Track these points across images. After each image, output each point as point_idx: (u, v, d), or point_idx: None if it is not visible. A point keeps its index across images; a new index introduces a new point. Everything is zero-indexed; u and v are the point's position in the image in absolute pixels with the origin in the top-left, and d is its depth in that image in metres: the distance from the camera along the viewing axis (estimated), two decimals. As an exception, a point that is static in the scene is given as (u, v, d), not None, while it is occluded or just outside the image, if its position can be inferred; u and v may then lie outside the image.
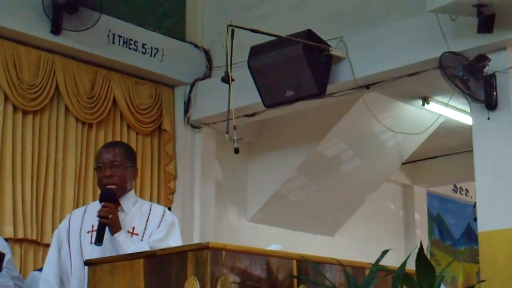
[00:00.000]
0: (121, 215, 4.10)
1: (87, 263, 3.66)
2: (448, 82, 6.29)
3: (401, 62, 6.79)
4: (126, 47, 7.66)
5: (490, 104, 6.31)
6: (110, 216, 3.98)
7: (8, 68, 6.90)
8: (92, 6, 7.01)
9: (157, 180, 8.01)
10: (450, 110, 8.34)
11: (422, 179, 11.03)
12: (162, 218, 4.17)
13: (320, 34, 6.94)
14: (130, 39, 7.69)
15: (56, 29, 7.02)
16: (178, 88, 8.27)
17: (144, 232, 4.10)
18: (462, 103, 7.84)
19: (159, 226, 4.12)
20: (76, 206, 7.21)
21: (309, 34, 6.88)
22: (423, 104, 8.37)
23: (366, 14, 7.18)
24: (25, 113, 7.04)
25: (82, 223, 4.18)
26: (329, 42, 7.00)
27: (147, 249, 3.88)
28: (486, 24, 6.13)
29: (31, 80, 7.07)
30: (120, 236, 3.99)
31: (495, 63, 6.27)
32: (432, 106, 8.37)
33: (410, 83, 7.26)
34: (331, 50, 6.96)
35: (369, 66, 6.95)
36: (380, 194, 10.09)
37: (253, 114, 7.87)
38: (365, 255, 4.89)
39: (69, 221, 4.25)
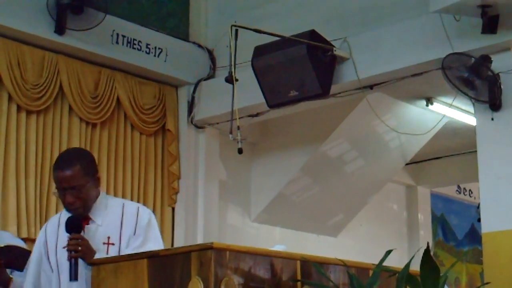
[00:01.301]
0: (92, 227, 3.91)
1: (91, 263, 3.65)
2: (450, 85, 6.29)
3: (404, 63, 6.79)
4: (130, 47, 7.66)
5: (494, 104, 6.30)
6: (80, 248, 3.76)
7: (12, 68, 6.90)
8: (97, 7, 7.01)
9: (161, 180, 8.01)
10: (454, 111, 8.33)
11: (426, 180, 11.02)
12: (136, 221, 3.93)
13: (324, 34, 6.94)
14: (134, 39, 7.69)
15: (60, 29, 7.03)
16: (181, 88, 8.27)
17: (120, 240, 3.89)
18: (466, 104, 7.83)
19: (135, 232, 3.91)
20: (80, 206, 7.21)
21: (313, 35, 6.88)
22: (427, 105, 8.36)
23: (370, 14, 7.18)
24: (29, 112, 7.04)
25: (57, 237, 3.96)
26: (333, 43, 6.99)
27: None
28: (490, 25, 6.13)
29: (35, 80, 7.08)
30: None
31: (499, 64, 6.26)
32: (436, 106, 8.37)
33: (414, 84, 7.25)
34: (335, 51, 6.95)
35: (373, 67, 6.95)
36: (383, 194, 10.09)
37: (256, 114, 7.87)
38: (368, 256, 4.88)
39: (45, 234, 4.04)
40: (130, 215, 3.97)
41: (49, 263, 3.95)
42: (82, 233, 3.86)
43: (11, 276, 4.65)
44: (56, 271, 3.92)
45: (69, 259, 3.77)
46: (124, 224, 3.93)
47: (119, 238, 3.90)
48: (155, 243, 3.92)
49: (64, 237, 3.87)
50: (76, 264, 3.76)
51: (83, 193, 3.88)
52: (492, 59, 6.24)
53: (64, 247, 3.84)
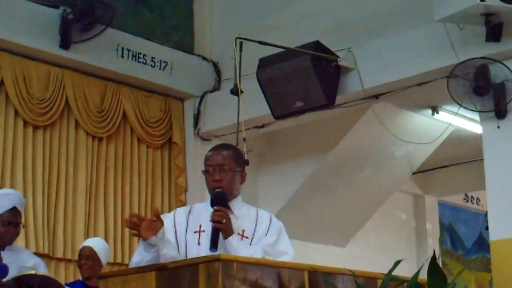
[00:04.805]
0: (231, 218, 3.99)
1: (99, 277, 3.66)
2: (453, 98, 6.32)
3: (409, 72, 6.79)
4: (135, 60, 7.68)
5: (500, 112, 6.30)
6: (224, 220, 3.86)
7: (18, 83, 6.93)
8: (104, 22, 7.03)
9: (168, 193, 8.02)
10: (459, 119, 8.32)
11: (433, 189, 11.00)
12: (270, 223, 4.06)
13: (328, 45, 6.96)
14: (139, 53, 7.71)
15: (65, 44, 7.06)
16: (187, 101, 8.28)
17: (253, 236, 3.99)
18: (471, 112, 7.82)
19: (267, 231, 4.01)
20: (88, 219, 7.23)
21: (317, 45, 6.90)
22: (432, 114, 8.36)
23: (374, 24, 7.18)
24: (35, 127, 7.07)
25: (187, 223, 4.06)
26: (337, 53, 7.01)
27: (260, 253, 3.79)
28: (494, 33, 6.13)
29: (41, 94, 7.10)
30: (234, 239, 3.87)
31: (504, 72, 6.26)
32: (442, 115, 8.36)
33: (419, 93, 7.25)
34: (340, 61, 6.97)
35: (378, 76, 6.95)
36: (391, 204, 10.07)
37: (262, 126, 7.88)
38: (376, 265, 4.88)
39: (174, 219, 4.10)
40: (264, 218, 4.10)
41: (177, 244, 4.00)
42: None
43: None
44: (184, 253, 3.97)
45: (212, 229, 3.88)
46: (258, 223, 4.05)
47: (253, 233, 3.99)
48: (286, 248, 3.99)
49: (195, 223, 4.00)
50: (218, 234, 3.86)
51: (230, 175, 4.06)
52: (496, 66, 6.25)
53: (195, 232, 3.97)
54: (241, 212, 4.07)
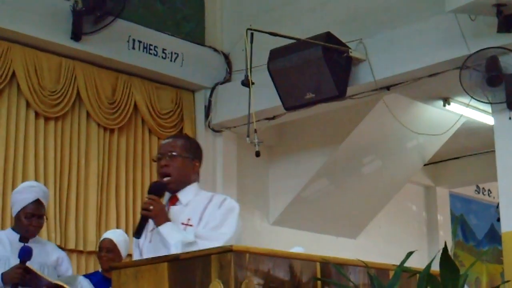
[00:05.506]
0: (177, 208, 3.97)
1: (111, 267, 3.67)
2: (465, 90, 6.30)
3: (421, 63, 6.77)
4: (146, 52, 7.69)
5: (511, 103, 6.28)
6: (151, 207, 3.84)
7: (30, 75, 6.95)
8: (115, 13, 7.03)
9: (179, 184, 8.02)
10: (471, 111, 8.31)
11: (445, 180, 10.98)
12: (220, 206, 3.96)
13: (340, 36, 6.94)
14: (150, 44, 7.72)
15: (76, 36, 7.07)
16: (198, 93, 8.29)
17: (199, 222, 3.90)
18: (483, 104, 7.79)
19: (214, 214, 3.92)
20: (99, 211, 7.25)
21: (329, 36, 6.88)
22: (444, 105, 8.34)
23: (385, 15, 7.17)
24: (47, 119, 7.09)
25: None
26: (348, 44, 6.99)
27: (191, 238, 3.75)
28: (506, 23, 6.11)
29: (53, 86, 7.12)
30: (164, 228, 3.82)
31: (516, 63, 6.24)
32: (453, 106, 8.35)
33: (431, 84, 7.24)
34: (351, 52, 6.95)
35: (389, 68, 6.94)
36: (402, 195, 10.06)
37: (273, 117, 7.87)
38: (387, 257, 4.88)
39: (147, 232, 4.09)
40: (216, 201, 4.02)
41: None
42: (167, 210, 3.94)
43: None
44: (144, 253, 3.98)
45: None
46: (207, 209, 3.97)
47: (198, 220, 3.92)
48: (227, 229, 3.88)
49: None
50: (143, 222, 3.87)
51: (177, 163, 4.01)
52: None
53: (150, 230, 3.94)
54: (193, 201, 4.01)
